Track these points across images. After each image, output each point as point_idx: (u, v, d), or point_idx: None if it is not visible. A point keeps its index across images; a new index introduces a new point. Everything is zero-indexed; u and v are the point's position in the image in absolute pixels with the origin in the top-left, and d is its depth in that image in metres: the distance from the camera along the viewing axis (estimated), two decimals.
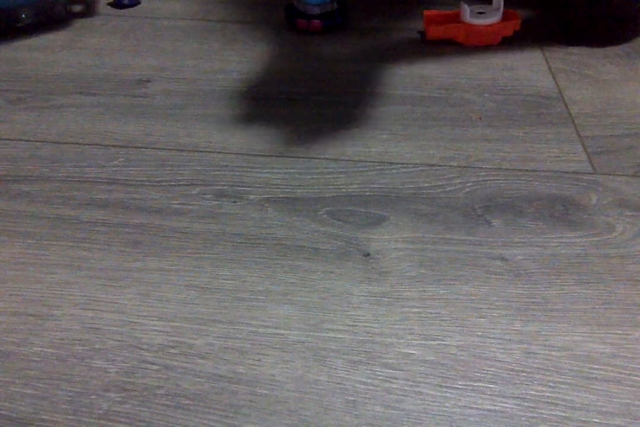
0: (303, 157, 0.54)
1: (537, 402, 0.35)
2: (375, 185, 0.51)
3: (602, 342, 0.39)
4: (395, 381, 0.36)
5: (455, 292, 0.42)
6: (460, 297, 0.41)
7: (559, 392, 0.36)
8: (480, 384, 0.36)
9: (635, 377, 0.36)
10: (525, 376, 0.37)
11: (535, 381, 0.36)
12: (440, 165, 0.53)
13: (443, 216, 0.48)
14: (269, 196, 0.50)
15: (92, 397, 0.36)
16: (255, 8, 0.81)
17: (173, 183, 0.51)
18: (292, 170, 0.53)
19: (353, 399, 0.36)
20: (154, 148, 0.56)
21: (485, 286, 0.42)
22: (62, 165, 0.54)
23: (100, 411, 0.35)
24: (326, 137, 0.57)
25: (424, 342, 0.39)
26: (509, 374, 0.37)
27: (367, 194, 0.50)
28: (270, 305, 0.41)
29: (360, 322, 0.40)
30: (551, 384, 0.36)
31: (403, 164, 0.53)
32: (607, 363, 0.37)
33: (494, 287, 0.42)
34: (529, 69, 0.66)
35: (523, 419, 0.34)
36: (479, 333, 0.39)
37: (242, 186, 0.51)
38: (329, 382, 0.36)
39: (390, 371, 0.37)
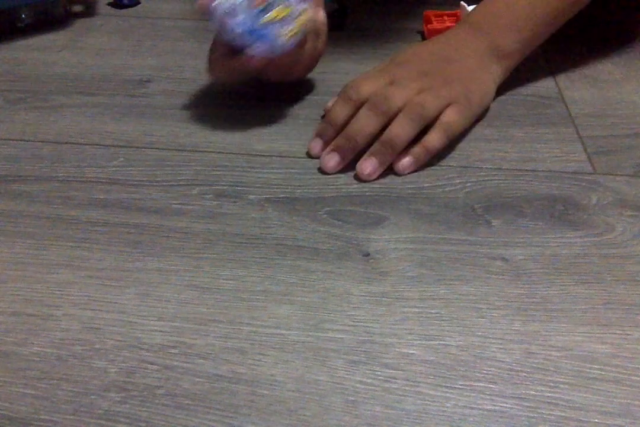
0: (303, 157, 0.54)
1: (537, 402, 0.35)
2: (375, 186, 0.51)
3: (602, 342, 0.39)
4: (395, 381, 0.36)
5: (455, 292, 0.42)
6: (460, 297, 0.41)
7: (559, 392, 0.36)
8: (480, 384, 0.36)
9: (635, 377, 0.36)
10: (525, 376, 0.37)
11: (535, 381, 0.36)
12: (440, 165, 0.53)
13: (443, 216, 0.48)
14: (269, 196, 0.50)
15: (92, 397, 0.36)
16: None
17: (173, 183, 0.52)
18: (292, 170, 0.53)
19: (353, 399, 0.36)
20: (154, 148, 0.56)
21: (485, 286, 0.42)
22: (62, 165, 0.54)
23: (100, 411, 0.35)
24: None
25: (424, 342, 0.39)
26: (509, 374, 0.37)
27: (367, 194, 0.50)
28: (270, 305, 0.41)
29: (360, 322, 0.40)
30: (551, 384, 0.36)
31: None
32: (607, 363, 0.37)
33: (494, 287, 0.42)
34: (529, 69, 0.65)
35: (523, 419, 0.34)
36: (479, 333, 0.39)
37: (242, 186, 0.51)
38: (329, 382, 0.36)
39: (390, 371, 0.37)
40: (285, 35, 0.51)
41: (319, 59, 0.60)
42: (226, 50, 0.53)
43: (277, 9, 0.51)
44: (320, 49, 0.59)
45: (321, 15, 0.58)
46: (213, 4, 0.50)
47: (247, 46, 0.51)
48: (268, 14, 0.51)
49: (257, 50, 0.51)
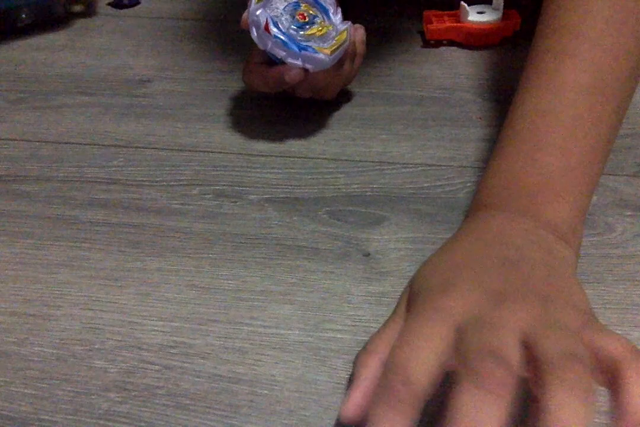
0: (303, 157, 0.54)
1: None
2: (375, 186, 0.51)
3: None
4: None
5: None
6: None
7: None
8: None
9: None
10: None
11: None
12: (440, 165, 0.53)
13: (443, 216, 0.48)
14: (269, 196, 0.50)
15: (92, 397, 0.36)
16: None
17: (173, 183, 0.52)
18: (292, 170, 0.53)
19: None
20: (154, 148, 0.56)
21: None
22: (62, 165, 0.54)
23: (100, 411, 0.35)
24: (326, 137, 0.57)
25: None
26: None
27: (367, 194, 0.50)
28: (270, 305, 0.41)
29: (360, 322, 0.40)
30: None
31: (403, 164, 0.53)
32: None
33: None
34: None
35: None
36: None
37: (242, 186, 0.51)
38: (329, 382, 0.36)
39: None
40: (327, 49, 0.51)
41: (353, 79, 0.60)
42: (264, 59, 0.53)
43: (318, 24, 0.52)
44: (355, 69, 0.58)
45: (360, 34, 0.57)
46: (257, 13, 0.50)
47: (288, 56, 0.50)
48: (309, 29, 0.51)
49: (298, 61, 0.50)
